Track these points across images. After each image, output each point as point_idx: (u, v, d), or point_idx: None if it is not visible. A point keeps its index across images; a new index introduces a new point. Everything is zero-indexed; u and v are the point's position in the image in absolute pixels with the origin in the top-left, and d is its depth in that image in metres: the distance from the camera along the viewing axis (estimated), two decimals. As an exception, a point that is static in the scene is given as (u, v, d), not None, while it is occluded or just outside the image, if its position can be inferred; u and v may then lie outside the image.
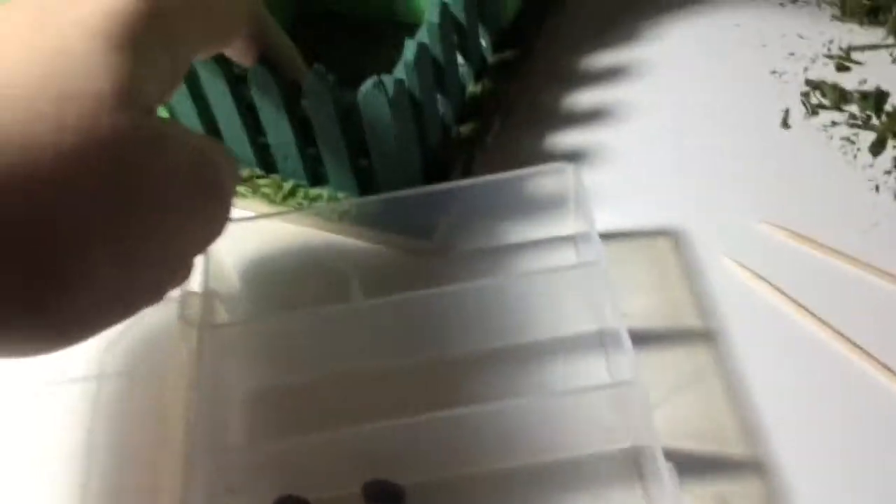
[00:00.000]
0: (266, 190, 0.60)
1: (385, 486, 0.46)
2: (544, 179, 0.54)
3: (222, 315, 0.52)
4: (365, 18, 0.68)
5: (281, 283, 0.56)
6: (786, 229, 0.54)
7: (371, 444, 0.46)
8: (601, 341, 0.52)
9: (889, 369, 0.48)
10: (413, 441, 0.46)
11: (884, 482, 0.45)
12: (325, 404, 0.51)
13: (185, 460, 0.45)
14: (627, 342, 0.45)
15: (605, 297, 0.48)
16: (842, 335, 0.50)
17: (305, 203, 0.59)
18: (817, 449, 0.46)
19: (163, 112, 0.60)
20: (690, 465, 0.45)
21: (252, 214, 0.58)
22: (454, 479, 0.47)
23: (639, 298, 0.53)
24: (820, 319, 0.51)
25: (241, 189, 0.60)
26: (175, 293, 0.52)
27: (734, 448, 0.47)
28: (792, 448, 0.46)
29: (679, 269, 0.54)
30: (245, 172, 0.61)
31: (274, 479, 0.47)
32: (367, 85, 0.52)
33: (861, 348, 0.50)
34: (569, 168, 0.53)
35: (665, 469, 0.41)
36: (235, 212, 0.58)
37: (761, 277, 0.53)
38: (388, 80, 0.52)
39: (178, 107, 0.59)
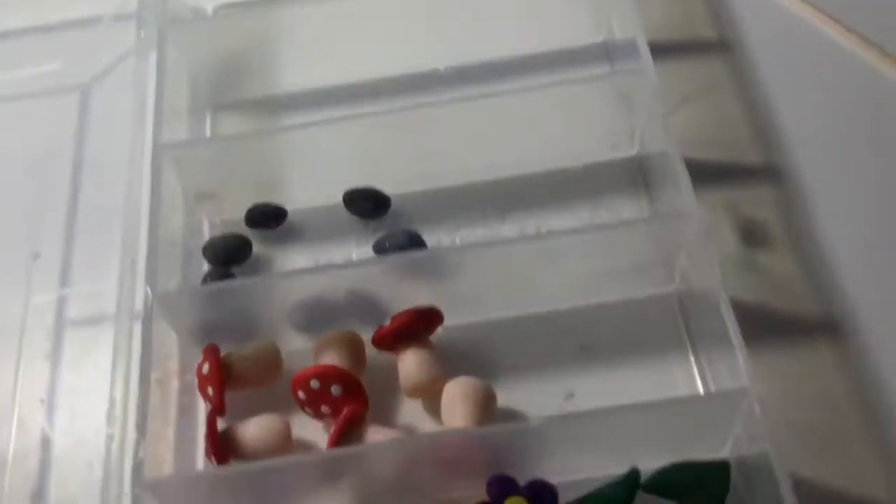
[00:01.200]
0: None
1: (369, 192, 0.42)
2: None
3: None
4: None
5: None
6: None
7: (355, 146, 0.42)
8: (608, 55, 0.47)
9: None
10: (398, 143, 0.42)
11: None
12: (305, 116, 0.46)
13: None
14: (643, 44, 0.41)
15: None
16: (866, 40, 0.46)
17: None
18: (833, 156, 0.43)
19: None
20: (702, 173, 0.41)
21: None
22: (437, 190, 0.44)
23: (653, 11, 0.48)
24: (843, 25, 0.46)
25: None
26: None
27: (748, 156, 0.43)
28: (807, 155, 0.43)
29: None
30: None
31: (249, 188, 0.43)
32: None
33: (886, 52, 0.45)
34: None
35: (681, 170, 0.37)
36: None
37: (785, -14, 0.48)
38: None
39: None
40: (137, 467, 0.33)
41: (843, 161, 0.43)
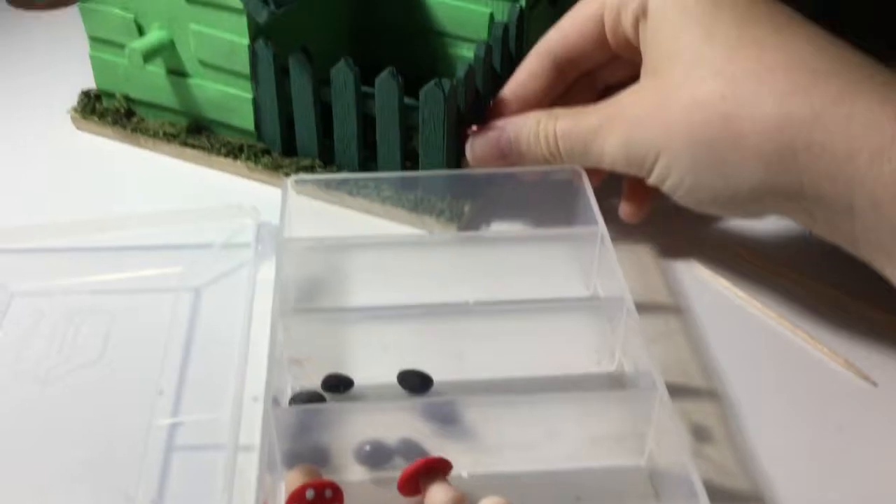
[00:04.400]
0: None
1: (417, 372, 0.57)
2: (557, 179, 0.68)
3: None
4: (410, 28, 0.81)
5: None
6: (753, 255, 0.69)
7: (404, 341, 0.57)
8: (593, 304, 0.64)
9: (816, 340, 0.62)
10: (436, 340, 0.58)
11: (806, 409, 0.58)
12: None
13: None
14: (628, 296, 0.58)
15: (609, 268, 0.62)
16: (782, 318, 0.63)
17: (354, 189, 0.72)
18: (757, 386, 0.59)
19: (247, 102, 0.74)
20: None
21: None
22: (467, 381, 0.58)
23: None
24: (769, 311, 0.64)
25: (305, 176, 0.73)
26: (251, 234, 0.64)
27: (695, 382, 0.59)
28: (739, 383, 0.59)
29: (657, 269, 0.68)
30: (308, 162, 0.74)
31: (326, 361, 0.57)
32: (430, 85, 0.66)
33: (800, 329, 0.63)
34: (581, 170, 0.66)
35: (662, 390, 0.52)
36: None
37: (723, 278, 0.66)
38: (445, 82, 0.66)
39: (262, 97, 0.73)
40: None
41: (765, 387, 0.59)
